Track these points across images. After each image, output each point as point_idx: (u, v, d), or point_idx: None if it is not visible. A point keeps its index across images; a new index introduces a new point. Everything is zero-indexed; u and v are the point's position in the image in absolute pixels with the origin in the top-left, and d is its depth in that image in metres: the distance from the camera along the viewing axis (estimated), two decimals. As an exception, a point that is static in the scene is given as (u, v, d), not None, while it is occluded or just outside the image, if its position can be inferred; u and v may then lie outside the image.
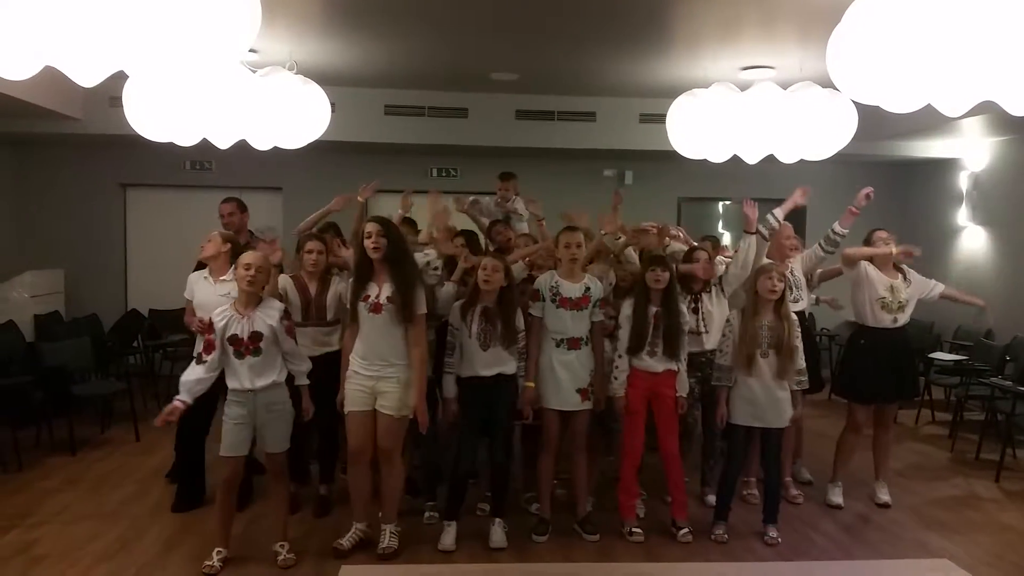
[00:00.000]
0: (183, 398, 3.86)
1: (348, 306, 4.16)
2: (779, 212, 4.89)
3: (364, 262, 4.06)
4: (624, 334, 4.43)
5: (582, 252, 4.44)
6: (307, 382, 4.15)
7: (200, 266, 4.83)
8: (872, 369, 4.97)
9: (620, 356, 4.45)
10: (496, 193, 6.27)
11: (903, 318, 4.94)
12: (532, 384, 4.39)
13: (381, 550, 4.18)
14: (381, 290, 4.04)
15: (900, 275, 4.96)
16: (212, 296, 4.50)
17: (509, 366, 4.30)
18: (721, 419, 4.48)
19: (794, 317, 4.47)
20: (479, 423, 4.30)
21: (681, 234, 5.64)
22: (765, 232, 4.85)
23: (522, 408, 4.37)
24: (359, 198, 5.25)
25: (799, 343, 4.44)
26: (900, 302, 4.90)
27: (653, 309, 4.38)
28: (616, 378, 4.45)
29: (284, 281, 4.66)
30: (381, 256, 4.01)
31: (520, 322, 4.33)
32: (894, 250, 4.88)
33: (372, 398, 4.08)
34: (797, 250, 5.20)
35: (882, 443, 5.18)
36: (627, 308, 4.45)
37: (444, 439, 4.65)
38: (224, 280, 4.57)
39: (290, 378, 4.11)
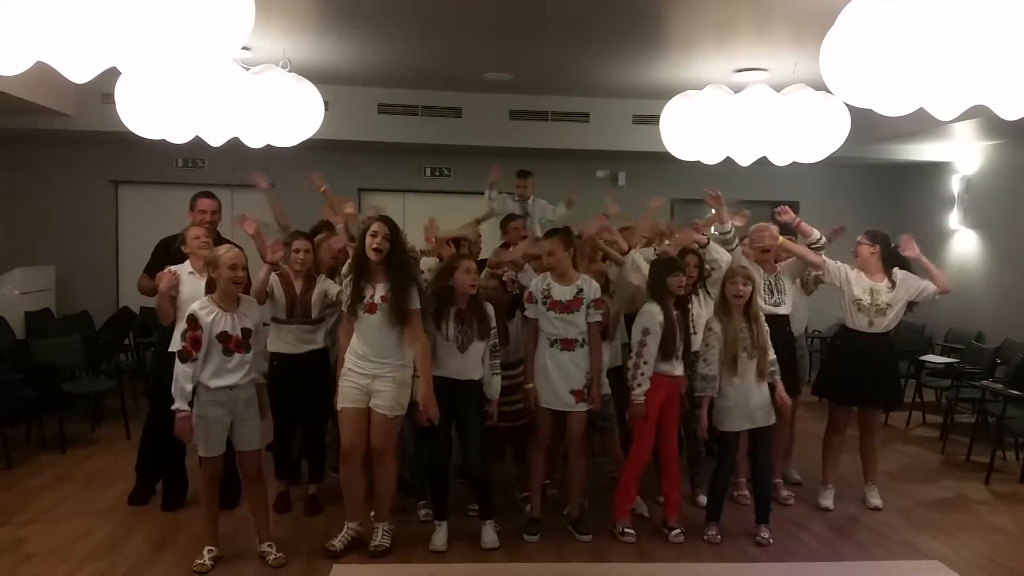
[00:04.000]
0: (182, 408, 3.78)
1: (345, 304, 4.11)
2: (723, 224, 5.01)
3: (363, 260, 4.05)
4: (653, 341, 4.31)
5: (555, 260, 4.39)
6: (263, 382, 4.15)
7: (167, 261, 4.69)
8: (846, 371, 4.97)
9: (646, 362, 4.33)
10: (513, 192, 6.38)
11: (881, 323, 4.87)
12: (532, 386, 4.40)
13: (373, 548, 4.18)
14: (375, 290, 4.04)
15: (886, 278, 4.92)
16: (201, 292, 4.48)
17: (479, 372, 4.29)
18: (703, 430, 4.48)
19: (762, 317, 4.47)
20: (448, 421, 4.26)
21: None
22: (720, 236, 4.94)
23: (488, 409, 4.37)
24: (320, 189, 5.32)
25: (768, 341, 4.46)
26: (878, 306, 4.85)
27: (675, 313, 4.38)
28: (640, 384, 4.34)
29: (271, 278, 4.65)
30: (381, 258, 4.01)
31: (490, 310, 4.32)
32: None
33: (366, 396, 4.07)
34: (778, 257, 5.16)
35: (867, 447, 5.18)
36: (658, 315, 4.31)
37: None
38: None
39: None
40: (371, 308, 4.03)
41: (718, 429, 4.51)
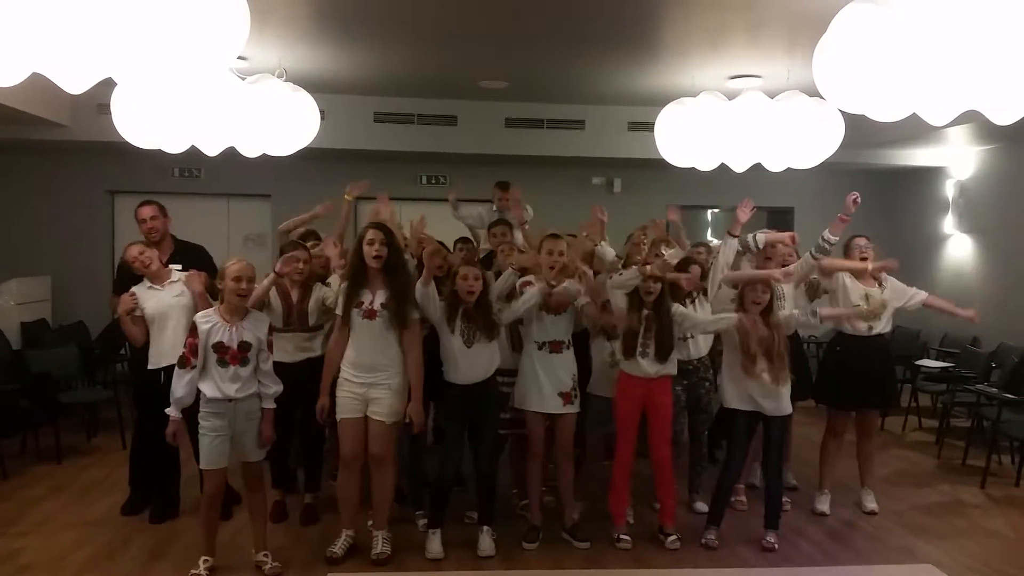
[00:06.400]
0: (173, 414, 3.84)
1: (340, 311, 4.12)
2: (762, 236, 4.95)
3: (360, 268, 4.05)
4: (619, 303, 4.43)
5: (564, 260, 4.44)
6: (272, 406, 4.01)
7: (132, 278, 4.64)
8: (847, 376, 4.99)
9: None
10: (492, 201, 6.36)
11: (879, 326, 4.95)
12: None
13: (375, 556, 4.17)
14: (375, 296, 4.05)
15: (877, 283, 4.96)
16: (166, 301, 4.51)
17: (488, 371, 4.29)
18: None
19: (783, 327, 4.45)
20: (463, 430, 4.30)
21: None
22: (744, 246, 4.92)
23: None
24: (347, 197, 5.28)
25: (786, 353, 4.42)
26: (875, 309, 4.91)
27: (645, 312, 4.40)
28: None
29: None
30: (381, 264, 4.02)
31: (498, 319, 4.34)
32: (870, 266, 4.89)
33: (364, 405, 4.09)
34: (785, 261, 5.18)
35: (865, 451, 5.21)
36: (621, 301, 4.43)
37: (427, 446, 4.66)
38: (171, 282, 4.57)
39: None
40: (370, 314, 4.04)
41: (726, 406, 4.54)
